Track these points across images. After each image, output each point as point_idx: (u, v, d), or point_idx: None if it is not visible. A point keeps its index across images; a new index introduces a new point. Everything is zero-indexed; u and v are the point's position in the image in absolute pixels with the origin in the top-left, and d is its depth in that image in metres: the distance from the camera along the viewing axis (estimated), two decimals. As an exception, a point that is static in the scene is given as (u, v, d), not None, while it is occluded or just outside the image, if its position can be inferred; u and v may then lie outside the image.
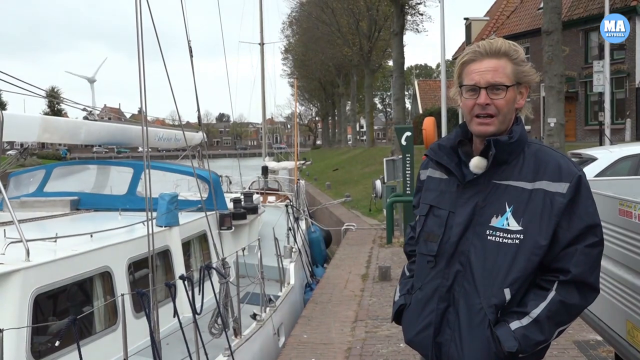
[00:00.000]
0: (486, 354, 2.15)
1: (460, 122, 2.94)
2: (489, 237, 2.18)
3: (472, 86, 2.23)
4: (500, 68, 2.22)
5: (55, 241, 5.30)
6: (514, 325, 2.12)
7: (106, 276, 5.70)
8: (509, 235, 2.15)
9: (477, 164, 2.24)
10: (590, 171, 9.29)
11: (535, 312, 2.12)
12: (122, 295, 5.08)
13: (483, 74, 2.21)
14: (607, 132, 19.30)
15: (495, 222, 2.18)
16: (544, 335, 2.13)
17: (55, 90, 57.89)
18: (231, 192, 12.53)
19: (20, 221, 5.04)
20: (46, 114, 54.35)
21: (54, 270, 4.98)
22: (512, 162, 2.21)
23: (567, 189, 2.13)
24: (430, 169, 2.45)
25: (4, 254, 4.69)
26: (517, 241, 2.13)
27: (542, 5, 20.78)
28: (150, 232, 5.19)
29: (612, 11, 20.36)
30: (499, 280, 2.14)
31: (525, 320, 2.13)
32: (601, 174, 9.20)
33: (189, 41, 7.07)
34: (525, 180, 2.17)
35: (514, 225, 2.14)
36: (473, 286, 2.18)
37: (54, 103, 64.88)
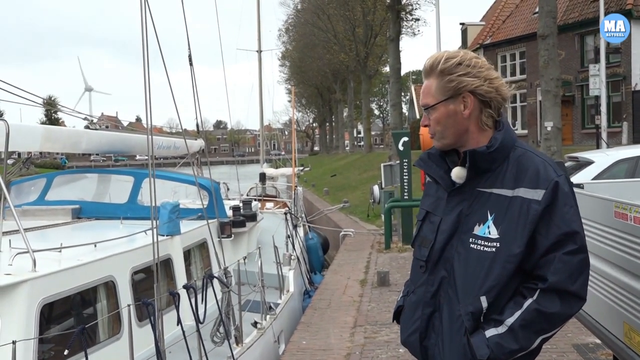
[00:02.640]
0: None
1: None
2: (471, 245, 2.19)
3: None
4: (427, 89, 2.29)
5: (60, 251, 5.34)
6: (490, 332, 2.13)
7: (110, 285, 5.74)
8: (488, 244, 2.15)
9: (457, 174, 2.25)
10: (587, 174, 9.37)
11: (510, 321, 2.12)
12: (129, 305, 5.12)
13: (420, 97, 2.36)
14: (604, 135, 19.42)
15: (477, 230, 2.19)
16: (519, 344, 2.11)
17: (53, 98, 57.86)
18: (229, 199, 12.58)
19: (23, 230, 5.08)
20: (43, 122, 54.33)
21: (59, 280, 5.02)
22: (497, 170, 2.21)
23: (543, 195, 2.11)
24: None
25: (11, 264, 4.74)
26: (494, 249, 2.14)
27: (537, 10, 20.89)
28: (155, 240, 5.22)
29: (607, 15, 20.48)
30: (476, 288, 2.15)
31: (502, 329, 2.12)
32: (598, 177, 9.28)
33: (189, 49, 7.10)
34: (507, 188, 2.17)
35: (494, 234, 2.15)
36: (455, 293, 2.20)
37: (50, 112, 64.83)
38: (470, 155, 2.19)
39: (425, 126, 2.32)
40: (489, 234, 2.16)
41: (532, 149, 2.29)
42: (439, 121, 2.27)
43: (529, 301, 2.12)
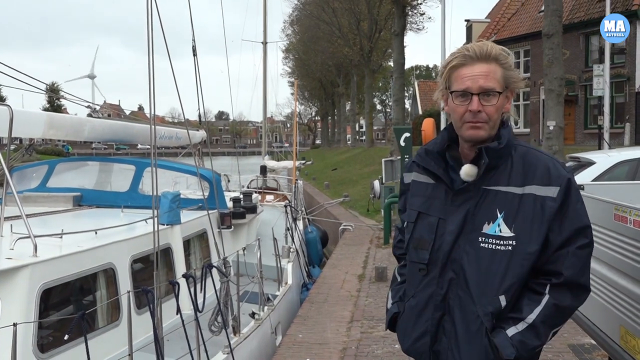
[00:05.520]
0: None
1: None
2: (481, 244, 2.15)
3: (462, 91, 2.16)
4: (491, 73, 2.15)
5: (61, 237, 5.36)
6: (511, 331, 2.12)
7: (110, 272, 5.76)
8: (501, 242, 2.13)
9: (468, 172, 2.19)
10: (588, 175, 9.36)
11: (531, 318, 2.12)
12: (128, 292, 5.14)
13: (475, 79, 2.14)
14: (606, 136, 19.38)
15: (487, 228, 2.15)
16: (540, 339, 2.13)
17: (56, 85, 57.71)
18: (230, 191, 12.59)
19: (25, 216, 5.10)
20: (45, 109, 54.28)
21: (60, 266, 5.04)
22: (501, 167, 2.18)
23: (558, 192, 2.11)
24: (415, 172, 2.40)
25: (12, 249, 4.76)
26: (510, 247, 2.12)
27: (543, 8, 20.84)
28: (156, 229, 5.24)
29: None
30: (494, 287, 2.13)
31: (521, 326, 2.12)
32: (599, 178, 9.27)
33: (193, 41, 7.09)
34: (515, 185, 2.15)
35: (506, 232, 2.13)
36: (468, 294, 2.16)
37: (53, 99, 64.72)
38: (486, 151, 2.15)
39: (478, 112, 2.15)
40: (500, 232, 2.14)
41: (533, 147, 2.29)
42: (498, 109, 2.18)
43: (547, 297, 2.14)
